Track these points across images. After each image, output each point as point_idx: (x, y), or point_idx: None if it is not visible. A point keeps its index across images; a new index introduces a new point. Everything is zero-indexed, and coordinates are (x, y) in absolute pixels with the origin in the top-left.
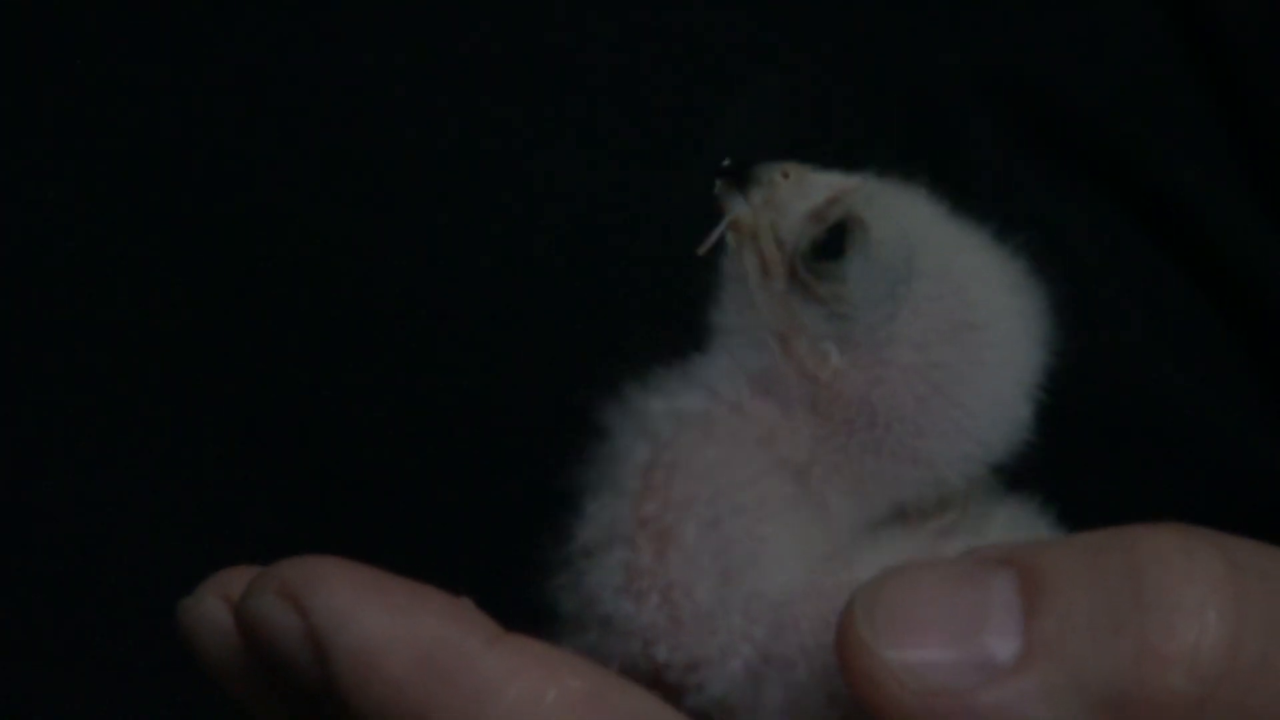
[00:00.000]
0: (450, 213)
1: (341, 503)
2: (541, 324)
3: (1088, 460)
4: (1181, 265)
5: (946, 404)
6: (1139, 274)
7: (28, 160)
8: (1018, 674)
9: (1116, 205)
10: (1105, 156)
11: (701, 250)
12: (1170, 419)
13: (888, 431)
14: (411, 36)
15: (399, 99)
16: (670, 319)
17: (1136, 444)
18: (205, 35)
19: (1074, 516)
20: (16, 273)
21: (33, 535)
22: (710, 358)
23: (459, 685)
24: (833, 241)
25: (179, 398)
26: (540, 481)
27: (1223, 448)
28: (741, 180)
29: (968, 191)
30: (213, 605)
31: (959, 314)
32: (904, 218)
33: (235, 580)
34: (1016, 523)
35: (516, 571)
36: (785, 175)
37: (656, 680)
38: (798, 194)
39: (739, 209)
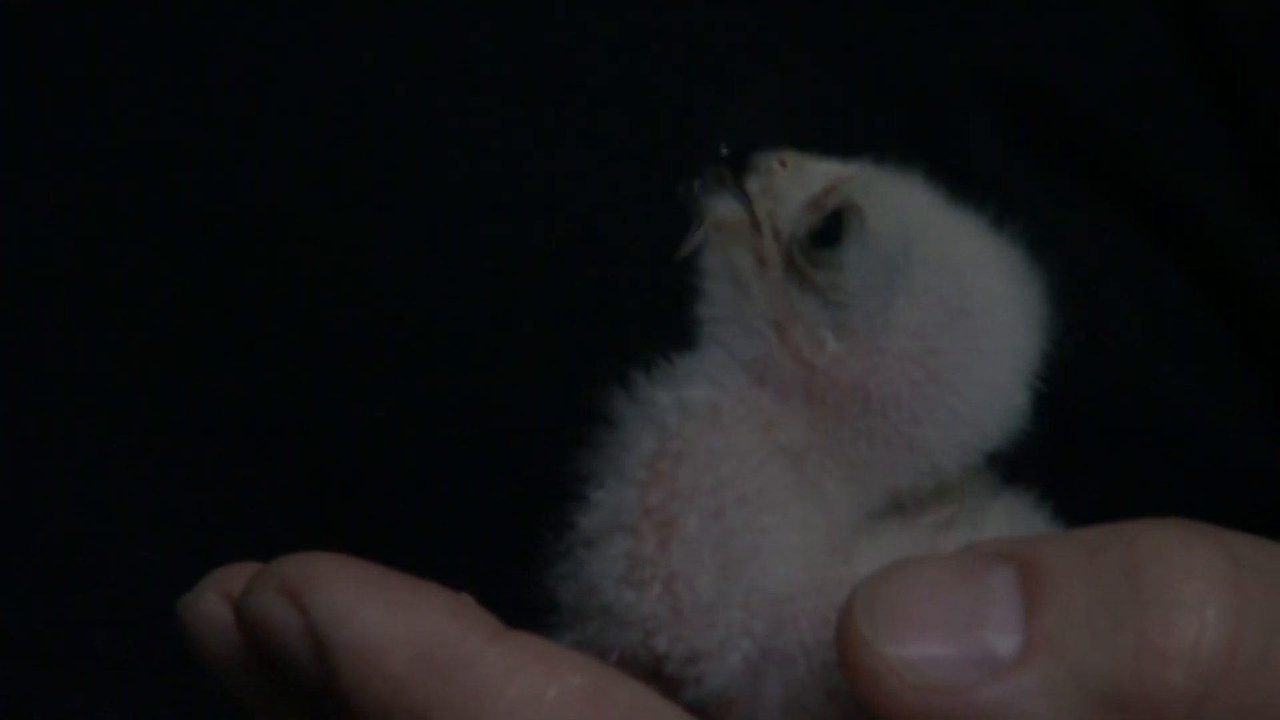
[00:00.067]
0: (450, 212)
1: (342, 500)
2: (542, 323)
3: (1087, 459)
4: (1181, 265)
5: (943, 391)
6: (1139, 274)
7: (28, 160)
8: (1018, 670)
9: (1116, 205)
10: (1105, 156)
11: (683, 252)
12: (1170, 418)
13: (883, 418)
14: (411, 36)
15: (399, 99)
16: (670, 319)
17: (1136, 443)
18: (205, 36)
19: (1074, 515)
20: (17, 273)
21: (33, 535)
22: (705, 350)
23: (459, 682)
24: (830, 230)
25: (179, 397)
26: (540, 479)
27: (1222, 447)
28: (739, 169)
29: (967, 191)
30: (213, 602)
31: (956, 301)
32: (901, 205)
33: (235, 577)
34: (1013, 516)
35: (517, 568)
36: (783, 164)
37: (655, 672)
38: (796, 182)
39: (720, 208)
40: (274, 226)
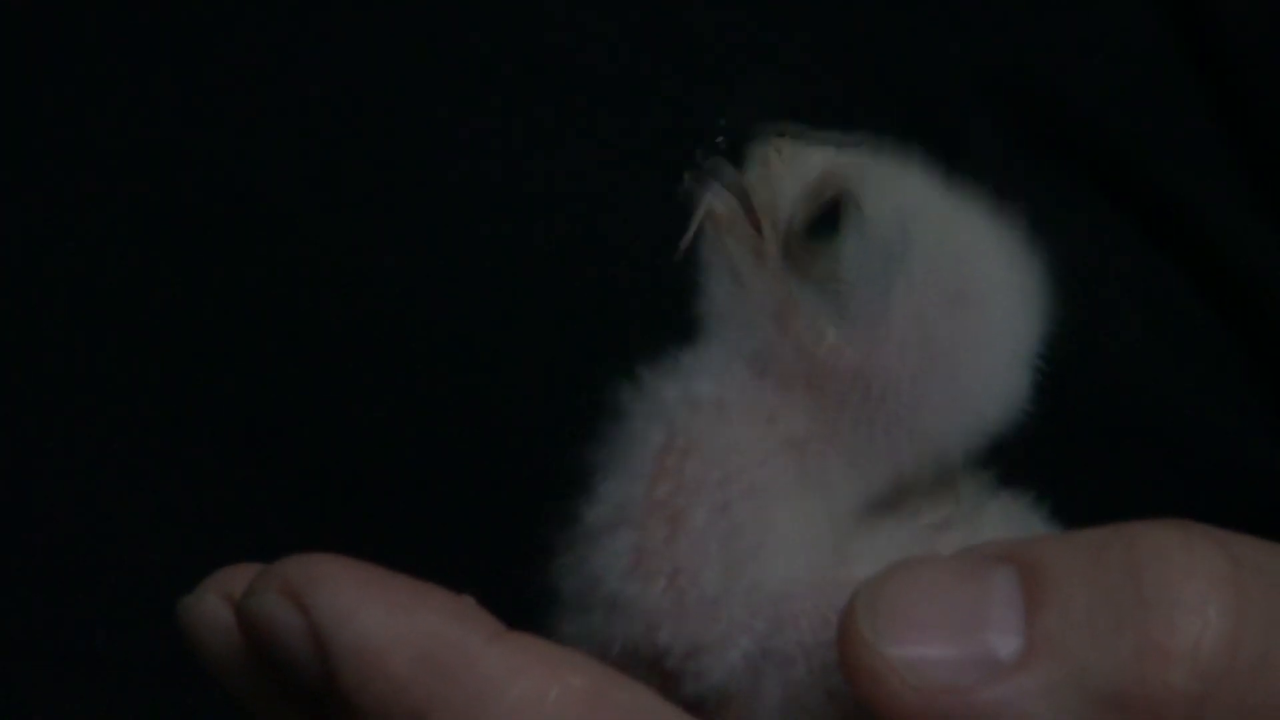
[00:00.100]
0: (450, 212)
1: (342, 500)
2: (542, 324)
3: (1087, 459)
4: (1181, 265)
5: (943, 377)
6: (1139, 274)
7: (28, 160)
8: (1019, 671)
9: (1116, 205)
10: (1105, 156)
11: (682, 246)
12: (1170, 418)
13: (883, 405)
14: (411, 36)
15: (398, 98)
16: (670, 318)
17: (1136, 443)
18: (205, 36)
19: (1073, 515)
20: (17, 273)
21: (33, 535)
22: (707, 345)
23: (460, 683)
24: (827, 219)
25: (179, 397)
26: (540, 479)
27: (1222, 448)
28: (735, 160)
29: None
30: (214, 604)
31: (955, 287)
32: (898, 193)
33: (236, 578)
34: (1010, 516)
35: (517, 568)
36: (779, 151)
37: (656, 666)
38: (792, 171)
39: (715, 201)
40: (274, 226)
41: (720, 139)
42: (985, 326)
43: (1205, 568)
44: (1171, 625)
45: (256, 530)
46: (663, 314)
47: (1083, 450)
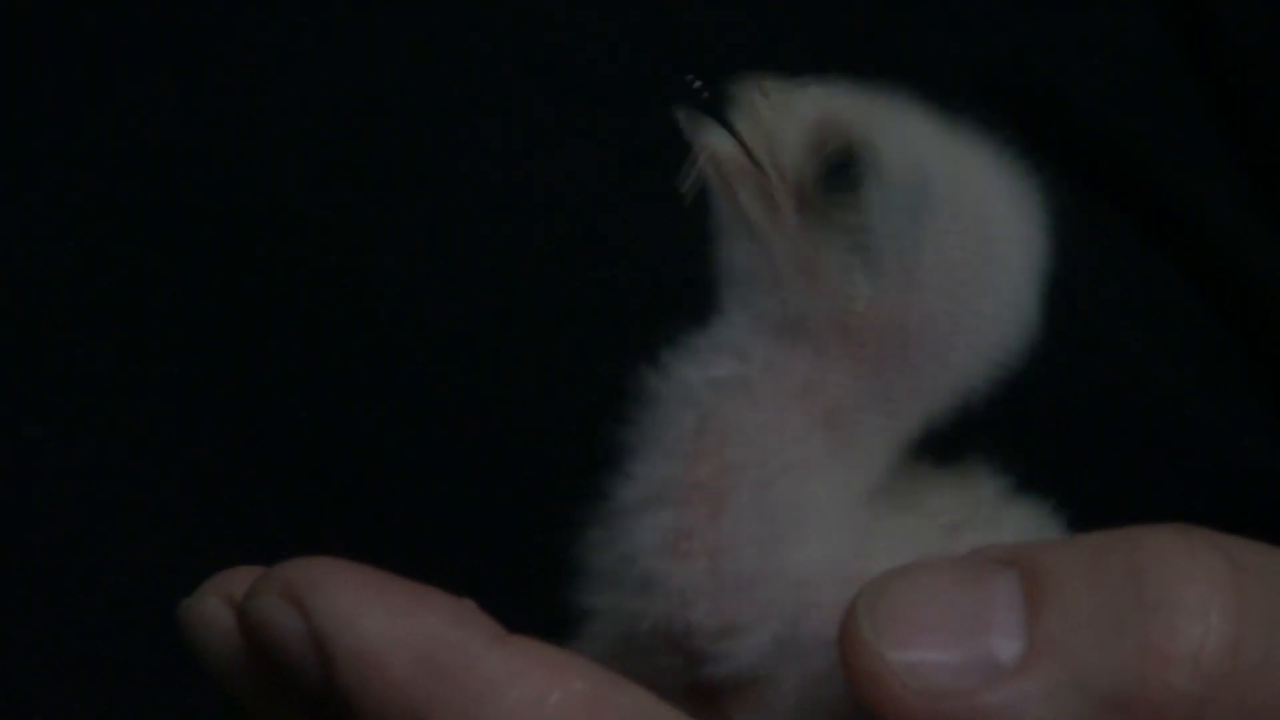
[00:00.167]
0: (450, 212)
1: (342, 502)
2: (543, 325)
3: (1088, 461)
4: (1181, 265)
5: (973, 315)
6: (1139, 274)
7: (28, 160)
8: (1021, 674)
9: (1116, 205)
10: (1105, 156)
11: (684, 188)
12: (1170, 419)
13: (919, 349)
14: (410, 36)
15: (398, 98)
16: (670, 319)
17: (1136, 444)
18: (205, 36)
19: (1074, 517)
20: (17, 273)
21: (33, 535)
22: (730, 316)
23: (461, 686)
24: (843, 169)
25: (180, 397)
26: (541, 480)
27: (1222, 448)
28: (715, 101)
29: None
30: (214, 606)
31: (979, 228)
32: (908, 134)
33: (237, 581)
34: (1029, 521)
35: (518, 571)
36: (765, 94)
37: (682, 646)
38: (784, 114)
39: (713, 140)
40: (274, 226)
41: (694, 80)
42: (1008, 261)
43: (1206, 571)
44: (1173, 628)
45: (256, 531)
46: (663, 315)
47: (1082, 450)
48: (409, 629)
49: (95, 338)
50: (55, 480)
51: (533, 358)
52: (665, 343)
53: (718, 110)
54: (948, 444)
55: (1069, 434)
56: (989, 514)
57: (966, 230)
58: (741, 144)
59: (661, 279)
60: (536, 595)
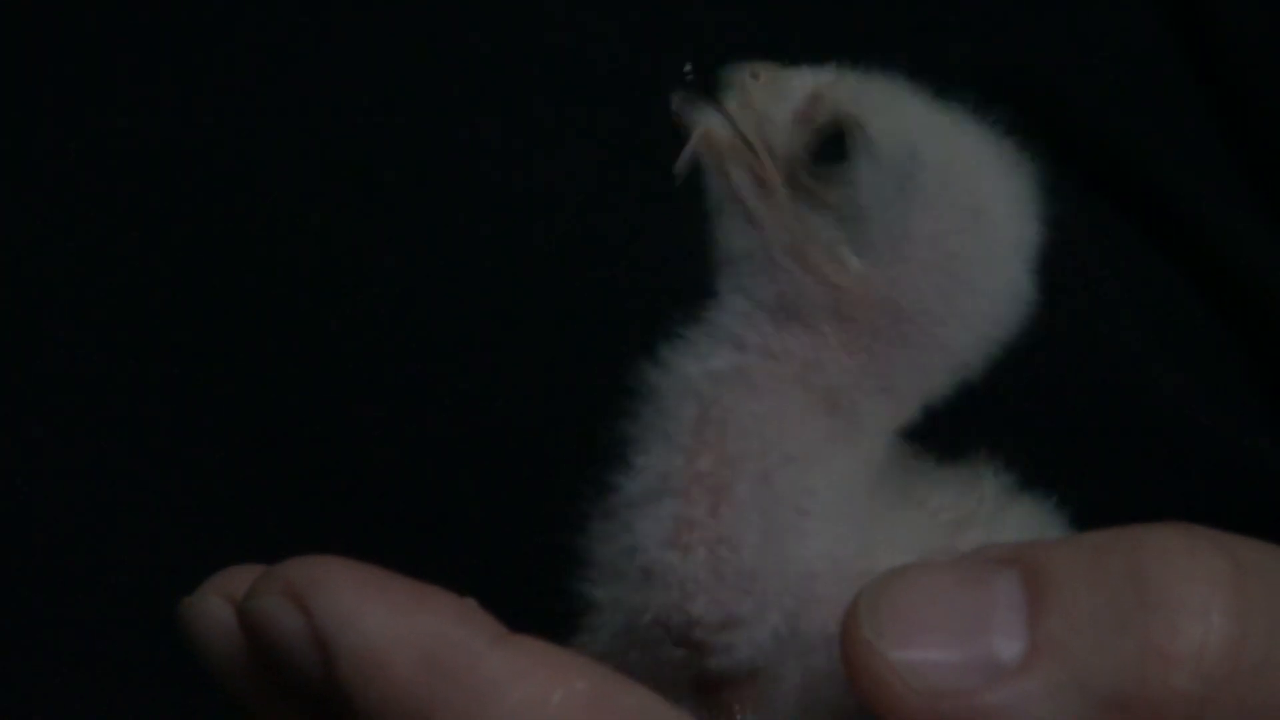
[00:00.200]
0: (450, 212)
1: (343, 501)
2: (543, 325)
3: (1088, 460)
4: (1181, 265)
5: (965, 290)
6: (1139, 274)
7: (28, 160)
8: (1022, 674)
9: (1116, 205)
10: (1105, 156)
11: (678, 171)
12: (1170, 419)
13: (913, 325)
14: (410, 36)
15: (398, 98)
16: (670, 317)
17: (1136, 444)
18: (205, 36)
19: (1074, 516)
20: (17, 273)
21: (33, 535)
22: (725, 300)
23: (463, 685)
24: (831, 145)
25: (180, 397)
26: (541, 479)
27: (1222, 448)
28: (707, 90)
29: None
30: (215, 604)
31: (967, 201)
32: (898, 111)
33: (238, 579)
34: (1031, 519)
35: (519, 570)
36: (756, 76)
37: (684, 638)
38: (775, 95)
39: (706, 121)
40: (274, 226)
41: (688, 68)
42: (998, 236)
43: (1208, 571)
44: (1174, 628)
45: (257, 530)
46: (663, 315)
47: (1083, 450)
48: (411, 628)
49: (95, 338)
50: (55, 480)
51: (533, 357)
52: (665, 339)
53: (711, 94)
54: (950, 442)
55: (1069, 433)
56: (991, 511)
57: (955, 205)
58: (733, 125)
59: (661, 278)
60: (538, 594)
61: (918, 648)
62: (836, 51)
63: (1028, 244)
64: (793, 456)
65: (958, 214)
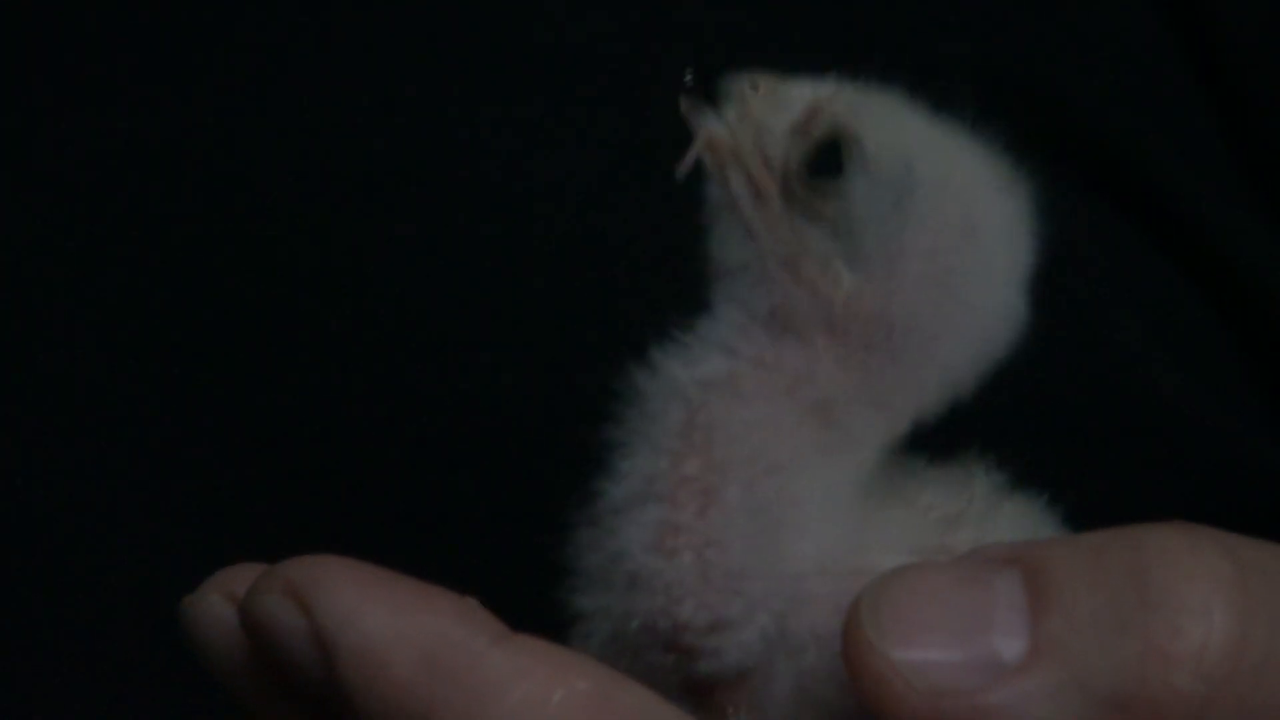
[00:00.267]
0: (450, 211)
1: (343, 501)
2: (543, 325)
3: (1088, 460)
4: (1181, 265)
5: (958, 308)
6: (1139, 274)
7: (28, 160)
8: (1024, 674)
9: (1116, 205)
10: (1105, 156)
11: (679, 172)
12: (1170, 419)
13: (905, 341)
14: (410, 36)
15: (398, 97)
16: (669, 318)
17: (1136, 444)
18: (204, 36)
19: (1074, 516)
20: (17, 273)
21: (32, 535)
22: (719, 311)
23: (464, 685)
24: (825, 157)
25: (180, 397)
26: (541, 479)
27: (1222, 448)
28: (709, 96)
29: None
30: (216, 603)
31: (963, 218)
32: (894, 126)
33: (238, 578)
34: (1024, 516)
35: (520, 570)
36: (755, 87)
37: (674, 643)
38: (774, 107)
39: (711, 126)
40: (273, 226)
41: (688, 75)
42: (992, 254)
43: (1209, 570)
44: (1176, 628)
45: (257, 530)
46: (663, 315)
47: (1082, 450)
48: (412, 627)
49: (95, 338)
50: (55, 480)
51: (533, 356)
52: (664, 340)
53: (713, 99)
54: (943, 440)
55: (1069, 433)
56: (982, 510)
57: (950, 222)
58: (732, 134)
59: (661, 278)
60: (538, 593)
61: (919, 647)
62: (836, 51)
63: (1022, 262)
64: (781, 464)
65: (952, 231)
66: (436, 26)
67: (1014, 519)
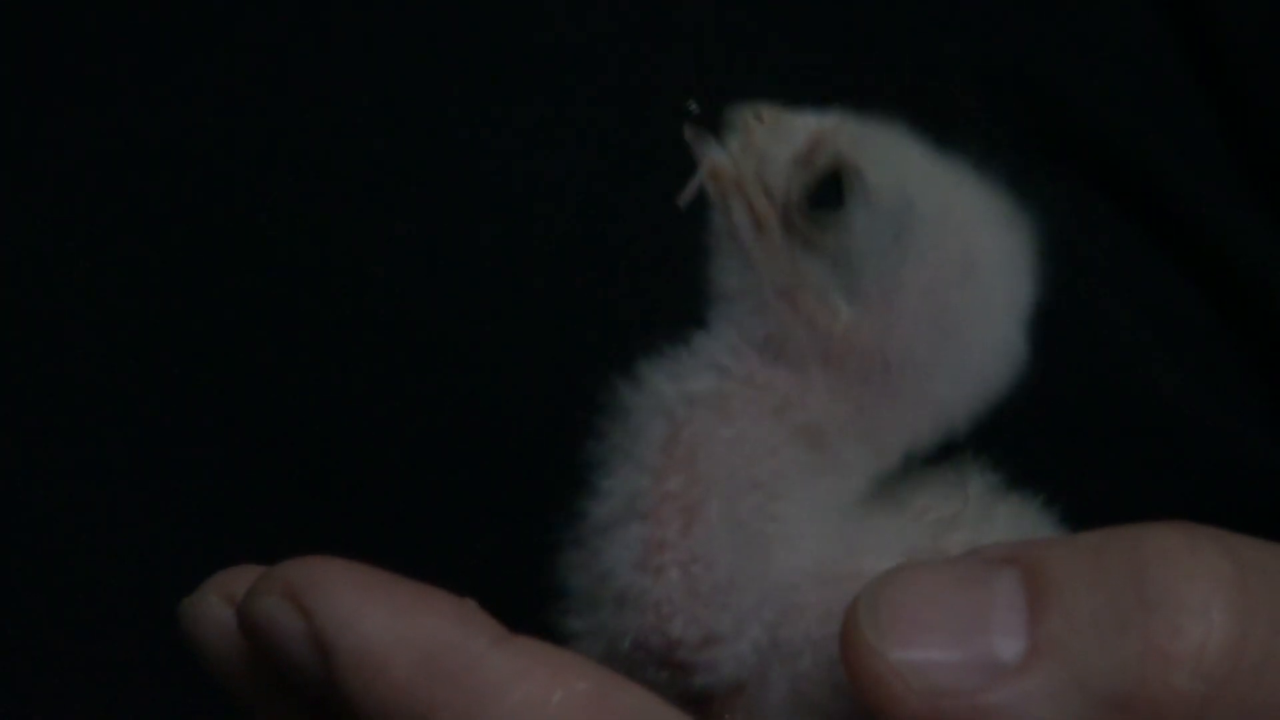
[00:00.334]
0: (450, 212)
1: (343, 502)
2: (542, 325)
3: (1088, 460)
4: (1181, 265)
5: (955, 345)
6: (1139, 274)
7: (28, 160)
8: (1023, 674)
9: (1116, 205)
10: (1105, 156)
11: (681, 201)
12: (1170, 419)
13: (901, 376)
14: (411, 36)
15: (398, 98)
16: (670, 319)
17: (1136, 444)
18: (204, 36)
19: (1074, 517)
20: (17, 273)
21: (33, 536)
22: (716, 331)
23: (463, 687)
24: (826, 189)
25: (179, 397)
26: (541, 480)
27: (1222, 448)
28: (713, 125)
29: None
30: (215, 605)
31: (962, 254)
32: (896, 160)
33: (237, 580)
34: (1019, 517)
35: (520, 571)
36: (759, 118)
37: (667, 659)
38: (777, 138)
39: (715, 156)
40: (274, 226)
41: (693, 104)
42: (991, 292)
43: (1209, 570)
44: (1175, 628)
45: (256, 530)
46: (662, 315)
47: (1082, 450)
48: (411, 629)
49: (95, 338)
50: (55, 480)
51: (532, 357)
52: (664, 344)
53: (716, 127)
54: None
55: (1069, 433)
56: (977, 512)
57: (949, 258)
58: (735, 164)
59: (661, 278)
60: (539, 595)
61: (918, 648)
62: (836, 51)
63: (1022, 300)
64: (764, 478)
65: (951, 267)
66: (437, 26)
67: (1009, 520)
